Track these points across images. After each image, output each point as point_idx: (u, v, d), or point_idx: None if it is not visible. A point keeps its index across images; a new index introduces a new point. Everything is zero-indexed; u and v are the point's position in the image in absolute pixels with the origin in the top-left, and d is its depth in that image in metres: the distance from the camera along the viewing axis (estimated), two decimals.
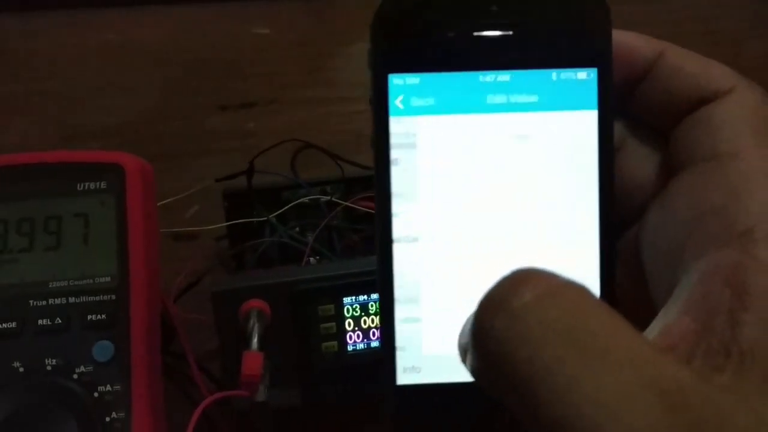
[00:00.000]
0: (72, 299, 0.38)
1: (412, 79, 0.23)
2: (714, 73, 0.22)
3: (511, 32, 0.22)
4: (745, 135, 0.20)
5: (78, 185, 0.39)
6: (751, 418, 0.16)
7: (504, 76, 0.23)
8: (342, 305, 0.42)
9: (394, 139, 0.23)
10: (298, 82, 0.64)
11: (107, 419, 0.36)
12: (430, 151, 0.23)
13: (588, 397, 0.15)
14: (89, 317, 0.38)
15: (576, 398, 0.15)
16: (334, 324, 0.42)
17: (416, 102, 0.23)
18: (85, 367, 0.37)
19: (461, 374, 0.22)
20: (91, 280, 0.38)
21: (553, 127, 0.23)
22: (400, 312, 0.23)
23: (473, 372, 0.19)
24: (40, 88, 0.63)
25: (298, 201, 0.51)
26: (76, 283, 0.38)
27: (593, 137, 0.23)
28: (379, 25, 0.23)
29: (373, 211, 0.49)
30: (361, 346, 0.42)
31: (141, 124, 0.61)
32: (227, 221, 0.51)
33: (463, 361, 0.20)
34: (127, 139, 0.60)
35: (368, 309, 0.42)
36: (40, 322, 0.37)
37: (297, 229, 0.50)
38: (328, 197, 0.51)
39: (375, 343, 0.42)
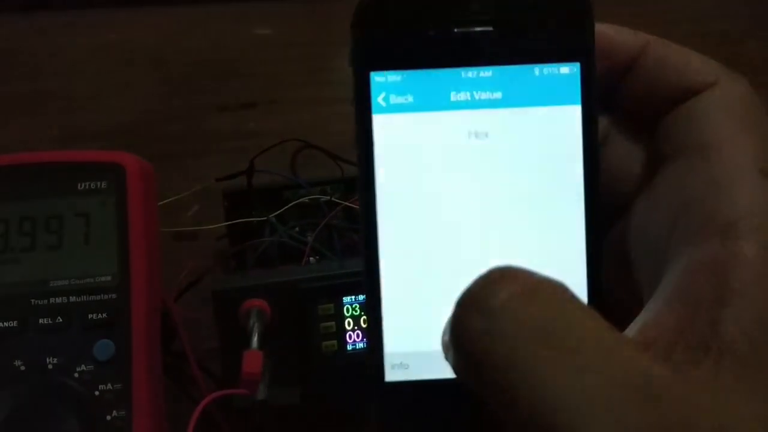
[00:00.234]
0: (73, 298, 0.38)
1: (394, 77, 0.23)
2: (698, 65, 0.22)
3: (492, 28, 0.22)
4: (728, 127, 0.20)
5: (79, 185, 0.39)
6: (723, 415, 0.16)
7: (486, 72, 0.23)
8: (342, 304, 0.42)
9: (377, 138, 0.23)
10: (299, 83, 0.64)
11: (108, 418, 0.36)
12: (414, 149, 0.23)
13: (562, 395, 0.16)
14: (90, 316, 0.38)
15: (550, 396, 0.16)
16: (333, 323, 0.42)
17: (399, 99, 0.23)
18: (85, 366, 0.37)
19: (450, 370, 0.22)
20: (92, 280, 0.38)
21: (537, 123, 0.23)
22: (387, 309, 0.23)
23: (454, 369, 0.19)
24: (41, 88, 0.63)
25: (298, 201, 0.51)
26: (77, 282, 0.38)
27: (577, 132, 0.23)
28: (360, 22, 0.22)
29: None
30: (360, 345, 0.42)
31: (142, 124, 0.61)
32: (227, 221, 0.51)
33: (447, 358, 0.20)
34: (127, 139, 0.60)
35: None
36: (41, 321, 0.37)
37: (297, 228, 0.50)
38: (328, 197, 0.51)
39: None
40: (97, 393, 0.37)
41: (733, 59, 0.22)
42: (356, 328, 0.42)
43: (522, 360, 0.16)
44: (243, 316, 0.41)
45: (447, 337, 0.19)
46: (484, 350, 0.17)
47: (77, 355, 0.37)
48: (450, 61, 0.23)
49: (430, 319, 0.23)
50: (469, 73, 0.23)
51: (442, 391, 0.23)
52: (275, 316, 0.41)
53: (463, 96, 0.23)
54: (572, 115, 0.23)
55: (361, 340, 0.42)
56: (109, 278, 0.38)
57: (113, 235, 0.39)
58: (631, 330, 0.19)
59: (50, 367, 0.37)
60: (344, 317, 0.42)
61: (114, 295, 0.38)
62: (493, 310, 0.17)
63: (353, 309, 0.42)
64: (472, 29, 0.22)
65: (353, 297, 0.42)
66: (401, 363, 0.23)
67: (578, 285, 0.22)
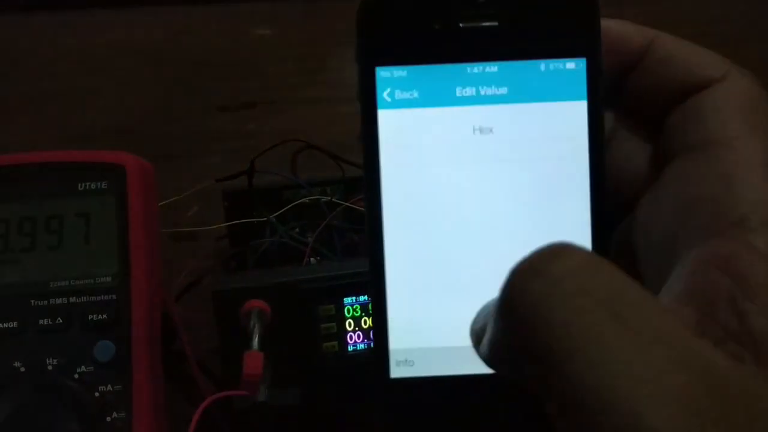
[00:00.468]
0: (73, 299, 0.38)
1: (400, 72, 0.23)
2: (705, 60, 0.22)
3: (498, 23, 0.22)
4: (736, 123, 0.20)
5: (79, 185, 0.39)
6: None
7: (492, 68, 0.23)
8: (342, 305, 0.42)
9: (382, 133, 0.23)
10: (299, 83, 0.64)
11: (108, 419, 0.36)
12: (419, 144, 0.23)
13: (624, 369, 0.15)
14: (90, 317, 0.38)
15: (611, 369, 0.15)
16: (334, 324, 0.42)
17: (404, 95, 0.23)
18: (86, 366, 0.37)
19: (454, 367, 0.22)
20: (92, 280, 0.38)
21: (543, 119, 0.23)
22: (391, 305, 0.23)
23: (490, 347, 0.18)
24: (41, 88, 0.63)
25: (299, 201, 0.51)
26: (77, 282, 0.38)
27: (583, 128, 0.23)
28: (365, 18, 0.22)
29: None
30: (361, 346, 0.42)
31: (142, 124, 0.61)
32: (228, 221, 0.51)
33: (476, 345, 0.19)
34: (127, 139, 0.60)
35: (369, 309, 0.42)
36: (41, 321, 0.37)
37: (297, 229, 0.50)
38: (329, 197, 0.51)
39: None
40: (97, 394, 0.37)
41: (732, 61, 0.22)
42: (357, 329, 0.42)
43: (584, 328, 0.16)
44: (243, 317, 0.40)
45: (482, 322, 0.19)
46: (541, 315, 0.16)
47: (77, 356, 0.37)
48: (455, 56, 0.23)
49: (435, 316, 0.23)
50: (475, 68, 0.23)
51: (447, 388, 0.23)
52: (276, 317, 0.41)
53: (468, 91, 0.23)
54: (578, 111, 0.23)
55: (362, 341, 0.42)
56: (109, 279, 0.38)
57: (113, 236, 0.39)
58: None
59: (50, 368, 0.37)
60: (345, 318, 0.42)
61: (114, 296, 0.38)
62: (556, 277, 0.16)
63: (354, 310, 0.42)
64: (477, 24, 0.22)
65: (354, 298, 0.42)
66: (406, 360, 0.23)
67: None
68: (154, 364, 0.39)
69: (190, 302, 0.48)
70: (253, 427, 0.44)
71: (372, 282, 0.23)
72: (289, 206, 0.50)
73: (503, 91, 0.23)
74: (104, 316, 0.38)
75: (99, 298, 0.38)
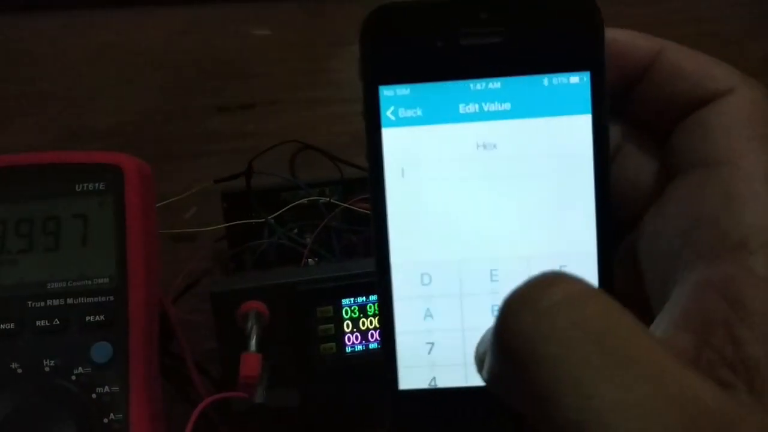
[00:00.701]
0: (70, 300, 0.38)
1: (403, 90, 0.23)
2: (714, 72, 0.21)
3: (500, 39, 0.22)
4: (740, 140, 0.20)
5: (77, 186, 0.39)
6: None
7: (495, 84, 0.23)
8: (340, 307, 0.42)
9: (387, 151, 0.23)
10: (298, 84, 0.64)
11: (105, 421, 0.36)
12: (424, 162, 0.23)
13: (612, 405, 0.15)
14: (87, 318, 0.38)
15: (599, 405, 0.15)
16: (332, 325, 0.42)
17: (408, 113, 0.23)
18: (83, 368, 0.37)
19: (464, 379, 0.22)
20: (90, 281, 0.38)
21: (547, 134, 0.23)
22: (400, 316, 0.23)
23: (489, 376, 0.18)
24: (40, 88, 0.63)
25: (297, 202, 0.51)
26: (75, 284, 0.38)
27: (588, 143, 0.22)
28: (368, 36, 0.22)
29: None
30: (359, 347, 0.42)
31: (140, 125, 0.61)
32: (226, 222, 0.51)
33: (480, 370, 0.19)
34: (126, 140, 0.60)
35: (367, 310, 0.42)
36: (38, 323, 0.37)
37: (295, 230, 0.50)
38: (327, 198, 0.51)
39: (373, 345, 0.42)
40: (94, 396, 0.37)
41: (730, 61, 0.22)
42: (355, 330, 0.42)
43: (573, 363, 0.16)
44: (241, 318, 0.40)
45: (484, 347, 0.19)
46: (531, 348, 0.16)
47: (74, 357, 0.37)
48: (458, 73, 0.23)
49: (443, 328, 0.23)
50: (478, 85, 0.23)
51: (457, 400, 0.23)
52: (274, 319, 0.41)
53: (471, 108, 0.23)
54: (582, 126, 0.22)
55: (360, 342, 0.42)
56: (106, 280, 0.38)
57: (111, 237, 0.39)
58: None
59: (47, 369, 0.37)
60: (343, 319, 0.42)
61: (112, 297, 0.38)
62: (547, 310, 0.16)
63: (352, 311, 0.42)
64: (479, 41, 0.22)
65: (352, 299, 0.42)
66: (415, 371, 0.23)
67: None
68: (152, 366, 0.38)
69: (188, 303, 0.48)
70: (250, 428, 0.44)
71: (380, 295, 0.23)
72: (288, 207, 0.50)
73: (507, 106, 0.23)
74: (102, 317, 0.38)
75: (96, 299, 0.38)
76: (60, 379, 0.37)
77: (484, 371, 0.19)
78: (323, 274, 0.42)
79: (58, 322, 0.37)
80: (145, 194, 0.40)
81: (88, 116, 0.62)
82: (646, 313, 0.21)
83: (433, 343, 0.23)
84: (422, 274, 0.23)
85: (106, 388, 0.37)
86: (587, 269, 0.23)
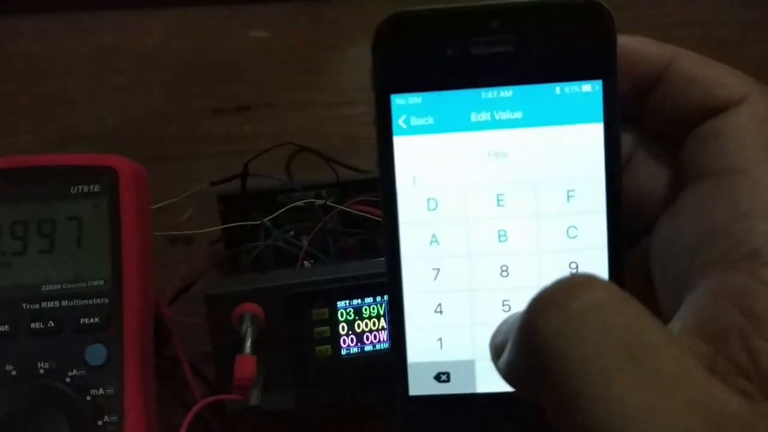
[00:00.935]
0: (65, 302, 0.38)
1: (415, 99, 0.23)
2: (727, 80, 0.21)
3: (512, 48, 0.22)
4: (754, 149, 0.20)
5: (72, 188, 0.39)
6: None
7: (506, 92, 0.23)
8: (336, 309, 0.42)
9: (399, 159, 0.23)
10: (294, 86, 0.64)
11: (100, 423, 0.36)
12: (435, 170, 0.23)
13: (641, 409, 0.15)
14: (82, 321, 0.37)
15: (625, 410, 0.15)
16: (327, 328, 0.42)
17: (419, 121, 0.23)
18: (77, 370, 0.37)
19: (475, 385, 0.22)
20: (85, 284, 0.38)
21: (558, 142, 0.23)
22: (410, 323, 0.23)
23: (508, 368, 0.19)
24: (35, 90, 0.63)
25: (293, 204, 0.51)
26: (70, 286, 0.38)
27: (599, 151, 0.22)
28: (380, 45, 0.23)
29: (367, 215, 0.49)
30: (354, 350, 0.42)
31: (136, 127, 0.61)
32: (222, 224, 0.51)
33: (495, 360, 0.20)
34: (122, 142, 0.60)
35: (362, 313, 0.42)
36: (32, 325, 0.37)
37: (291, 232, 0.50)
38: (323, 201, 0.51)
39: (369, 347, 0.42)
40: (88, 398, 0.36)
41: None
42: (350, 332, 0.42)
43: (604, 366, 0.16)
44: (236, 321, 0.40)
45: (502, 337, 0.19)
46: (559, 349, 0.16)
47: (69, 359, 0.37)
48: (470, 81, 0.23)
49: (453, 333, 0.23)
50: (489, 93, 0.23)
51: (468, 406, 0.23)
52: (269, 321, 0.41)
53: (483, 116, 0.23)
54: (594, 134, 0.23)
55: (356, 344, 0.42)
56: (101, 282, 0.38)
57: (106, 239, 0.39)
58: None
59: (42, 371, 0.37)
60: (338, 322, 0.42)
61: (106, 300, 0.38)
62: (578, 312, 0.17)
63: (348, 314, 0.42)
64: (491, 50, 0.22)
65: (348, 301, 0.42)
66: (426, 377, 0.23)
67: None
68: (147, 368, 0.38)
69: (184, 305, 0.48)
70: (245, 430, 0.44)
71: (391, 303, 0.23)
72: (284, 209, 0.50)
73: (518, 115, 0.23)
74: (96, 319, 0.38)
75: (91, 301, 0.38)
76: (54, 382, 0.37)
77: (502, 362, 0.19)
78: (319, 277, 0.42)
79: (52, 325, 0.37)
80: (140, 196, 0.40)
81: (83, 119, 0.61)
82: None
83: (446, 348, 0.23)
84: (433, 282, 0.23)
85: (101, 390, 0.37)
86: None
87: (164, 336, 0.44)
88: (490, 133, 0.23)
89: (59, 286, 0.38)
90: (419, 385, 0.23)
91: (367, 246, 0.50)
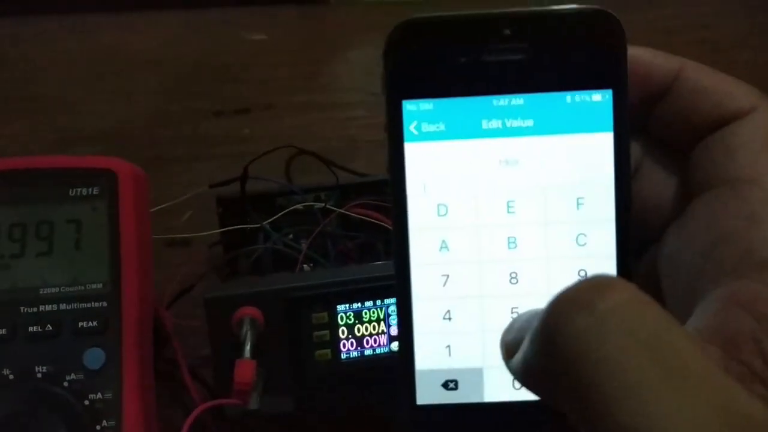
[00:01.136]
0: (63, 306, 0.38)
1: (426, 105, 0.23)
2: (735, 91, 0.21)
3: (524, 56, 0.22)
4: (763, 159, 0.20)
5: (70, 191, 0.39)
6: None
7: (518, 100, 0.23)
8: (336, 313, 0.42)
9: (409, 166, 0.23)
10: (294, 88, 0.64)
11: (98, 427, 0.36)
12: (446, 177, 0.23)
13: (666, 413, 0.15)
14: (80, 324, 0.37)
15: (651, 412, 0.15)
16: (327, 332, 0.42)
17: (431, 128, 0.23)
18: (75, 374, 0.37)
19: (483, 394, 0.22)
20: (83, 287, 0.38)
21: (568, 151, 0.23)
22: (418, 329, 0.23)
23: (524, 368, 0.19)
24: (35, 92, 0.63)
25: (292, 207, 0.50)
26: (68, 289, 0.38)
27: (609, 160, 0.23)
28: (392, 51, 0.23)
29: (367, 218, 0.49)
30: (354, 354, 0.42)
31: (135, 129, 0.61)
32: (221, 227, 0.51)
33: (506, 359, 0.20)
34: (121, 144, 0.60)
35: (362, 317, 0.42)
36: (30, 328, 0.37)
37: (291, 235, 0.50)
38: (323, 204, 0.51)
39: (369, 351, 0.42)
40: (86, 402, 0.36)
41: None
42: (350, 336, 0.42)
43: (630, 369, 0.16)
44: (235, 325, 0.40)
45: (513, 335, 0.19)
46: (585, 352, 0.16)
47: (67, 363, 0.37)
48: (481, 89, 0.23)
49: (463, 342, 0.23)
50: (501, 101, 0.23)
51: (476, 415, 0.23)
52: (268, 325, 0.40)
53: (494, 124, 0.23)
54: (604, 143, 0.23)
55: (356, 348, 0.42)
56: (100, 285, 0.38)
57: (104, 242, 0.38)
58: None
59: (39, 375, 0.36)
60: (338, 326, 0.42)
61: (105, 303, 0.38)
62: (602, 313, 0.16)
63: (347, 317, 0.42)
64: (503, 57, 0.22)
65: (347, 305, 0.42)
66: (434, 385, 0.23)
67: None
68: (145, 372, 0.38)
69: (183, 309, 0.48)
70: None
71: (399, 309, 0.23)
72: (283, 213, 0.50)
73: (529, 123, 0.23)
74: (94, 323, 0.37)
75: (89, 305, 0.38)
76: (52, 386, 0.36)
77: (516, 362, 0.19)
78: (318, 280, 0.42)
79: (50, 328, 0.37)
80: (139, 199, 0.40)
81: (82, 121, 0.61)
82: None
83: (454, 357, 0.23)
84: (443, 288, 0.23)
85: (99, 395, 0.36)
86: None
87: (163, 339, 0.43)
88: (501, 141, 0.23)
89: (57, 289, 0.38)
90: (427, 393, 0.23)
91: (366, 249, 0.50)
